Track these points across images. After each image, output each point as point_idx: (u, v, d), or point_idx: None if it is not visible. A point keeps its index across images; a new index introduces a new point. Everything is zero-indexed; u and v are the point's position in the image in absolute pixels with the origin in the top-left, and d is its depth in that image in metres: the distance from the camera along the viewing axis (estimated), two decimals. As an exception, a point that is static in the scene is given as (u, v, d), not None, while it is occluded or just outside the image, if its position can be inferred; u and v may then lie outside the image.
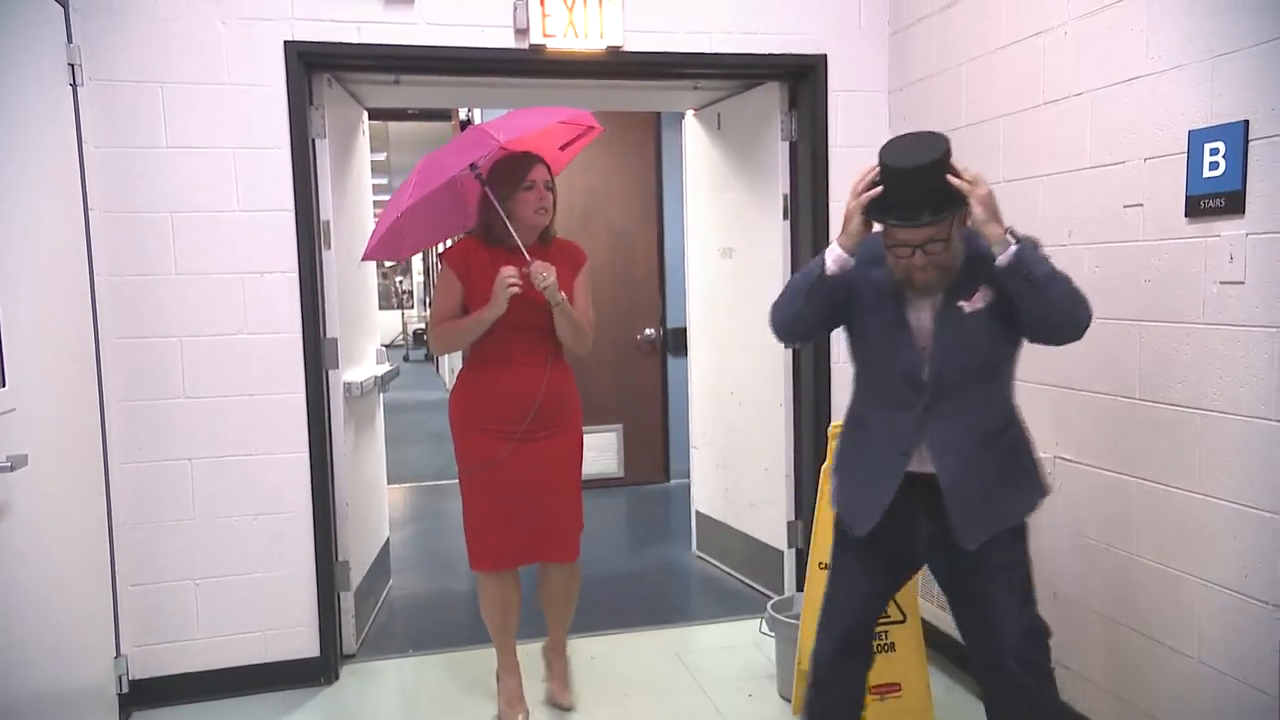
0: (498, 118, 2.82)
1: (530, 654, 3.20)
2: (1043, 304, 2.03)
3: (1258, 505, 2.20)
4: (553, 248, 2.87)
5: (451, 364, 11.41)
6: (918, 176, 1.99)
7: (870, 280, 2.21)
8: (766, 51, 3.53)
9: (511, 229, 2.71)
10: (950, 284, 2.14)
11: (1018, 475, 2.23)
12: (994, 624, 2.22)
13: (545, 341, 2.83)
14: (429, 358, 16.76)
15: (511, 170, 2.74)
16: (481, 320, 2.73)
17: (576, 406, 3.00)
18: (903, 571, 2.39)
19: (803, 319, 2.28)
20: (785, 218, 3.80)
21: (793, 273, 3.75)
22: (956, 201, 2.00)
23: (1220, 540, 2.30)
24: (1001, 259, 2.01)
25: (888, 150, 2.07)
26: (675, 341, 5.73)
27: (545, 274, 2.64)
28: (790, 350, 3.79)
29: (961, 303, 2.13)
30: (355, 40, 3.20)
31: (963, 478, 2.16)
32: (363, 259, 3.21)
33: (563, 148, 3.03)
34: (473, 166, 2.73)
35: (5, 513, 2.24)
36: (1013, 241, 2.00)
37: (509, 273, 2.66)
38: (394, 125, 7.45)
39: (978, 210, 2.00)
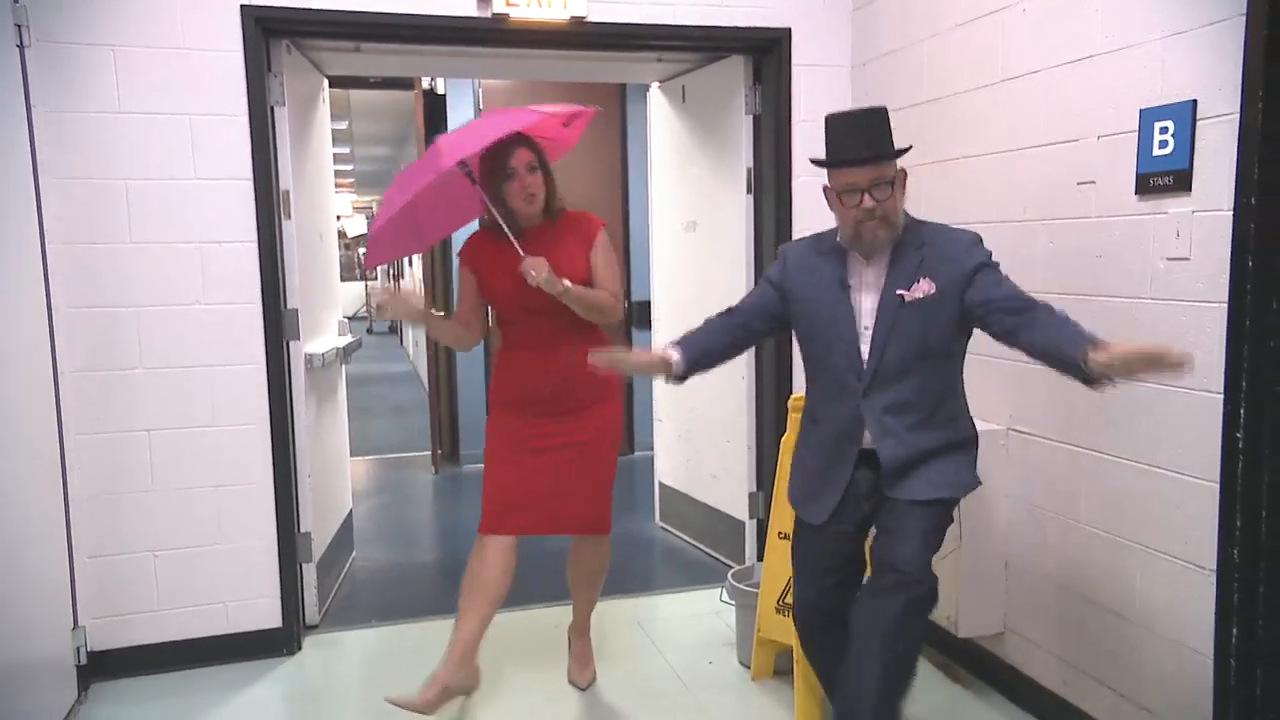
0: (473, 121, 2.78)
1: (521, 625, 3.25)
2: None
3: (1199, 475, 2.26)
4: (561, 222, 2.79)
5: (415, 336, 11.38)
6: (862, 120, 2.26)
7: (817, 273, 2.35)
8: (731, 24, 3.54)
9: (504, 222, 2.65)
10: (890, 275, 2.25)
11: (954, 456, 2.31)
12: (890, 544, 2.28)
13: (561, 321, 2.71)
14: (392, 329, 16.67)
15: (493, 163, 2.66)
16: (432, 334, 2.75)
17: (608, 382, 2.79)
18: (859, 535, 2.43)
19: (729, 355, 2.53)
20: (749, 191, 3.82)
21: (755, 247, 3.82)
22: (894, 151, 2.23)
23: (1164, 509, 2.36)
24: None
25: (833, 114, 2.31)
26: (640, 314, 5.73)
27: (534, 271, 2.56)
28: None
29: (900, 291, 2.23)
30: (314, 5, 3.17)
31: (901, 457, 2.27)
32: (365, 266, 3.27)
33: (565, 124, 2.92)
34: (462, 164, 2.67)
35: None
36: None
37: (379, 294, 2.68)
38: (356, 93, 7.34)
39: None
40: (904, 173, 2.27)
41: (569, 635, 3.15)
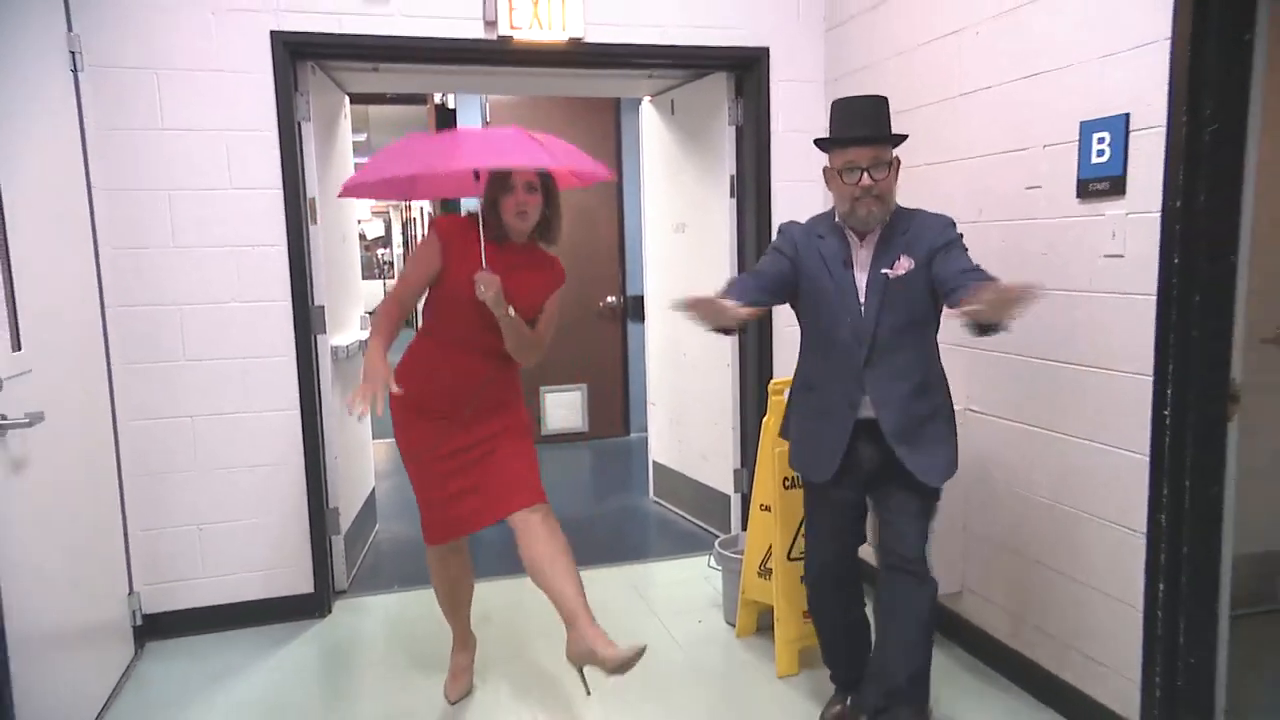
0: (503, 133, 2.53)
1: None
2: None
3: (1134, 449, 2.31)
4: (538, 253, 2.57)
5: None
6: (865, 105, 2.31)
7: (822, 250, 2.33)
8: (715, 44, 3.54)
9: (485, 223, 2.45)
10: (876, 255, 2.25)
11: (942, 433, 2.33)
12: (900, 533, 2.33)
13: (499, 336, 2.46)
14: (409, 323, 16.61)
15: (498, 172, 2.45)
16: (371, 356, 2.38)
17: (515, 395, 2.64)
18: (860, 503, 2.45)
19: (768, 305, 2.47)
20: (732, 195, 3.82)
21: (739, 246, 3.82)
22: (893, 134, 2.28)
23: (1104, 480, 2.40)
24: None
25: (839, 98, 2.36)
26: (634, 308, 5.76)
27: (484, 286, 2.35)
28: None
29: (884, 270, 2.24)
30: (337, 31, 3.18)
31: (901, 424, 2.28)
32: (340, 194, 2.74)
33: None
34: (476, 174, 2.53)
35: (27, 464, 2.26)
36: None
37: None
38: (373, 109, 7.31)
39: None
40: (898, 160, 2.28)
41: (582, 633, 2.38)
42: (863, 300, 2.28)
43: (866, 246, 2.30)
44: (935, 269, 2.20)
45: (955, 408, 2.54)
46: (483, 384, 2.51)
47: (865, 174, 2.21)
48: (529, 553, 2.41)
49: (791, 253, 2.36)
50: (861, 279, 2.29)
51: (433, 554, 2.69)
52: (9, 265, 2.23)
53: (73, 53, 2.89)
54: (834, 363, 2.33)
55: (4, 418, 2.11)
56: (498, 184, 2.45)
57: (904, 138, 2.30)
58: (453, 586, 2.76)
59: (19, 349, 2.26)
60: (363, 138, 9.17)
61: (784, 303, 2.44)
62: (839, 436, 2.31)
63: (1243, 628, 2.67)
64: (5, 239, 2.22)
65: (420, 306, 2.63)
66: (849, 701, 2.61)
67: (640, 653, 2.20)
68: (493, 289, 2.35)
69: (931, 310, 2.29)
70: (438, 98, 5.80)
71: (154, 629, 3.22)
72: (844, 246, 2.33)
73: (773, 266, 2.38)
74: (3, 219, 2.22)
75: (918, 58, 3.08)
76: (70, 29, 2.89)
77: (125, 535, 3.12)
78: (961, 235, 2.26)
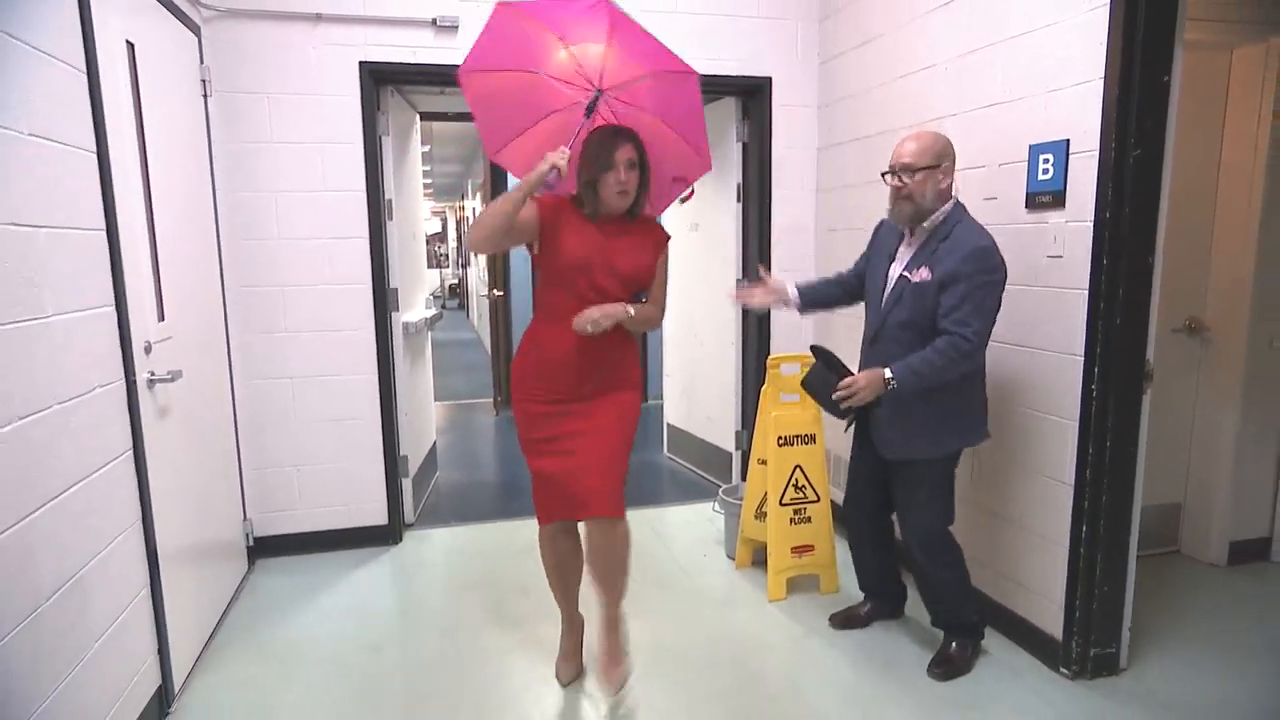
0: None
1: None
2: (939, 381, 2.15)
3: (1065, 416, 2.36)
4: (641, 224, 2.25)
5: (479, 310, 11.39)
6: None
7: (883, 246, 2.39)
8: (725, 74, 3.55)
9: (588, 202, 2.17)
10: (912, 258, 2.24)
11: (942, 417, 2.25)
12: (902, 516, 2.40)
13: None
14: (460, 306, 16.72)
15: (597, 149, 2.12)
16: (523, 190, 2.03)
17: (634, 371, 2.32)
18: (875, 466, 2.44)
19: (839, 303, 2.60)
20: (738, 201, 3.82)
21: (743, 242, 3.82)
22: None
23: (1049, 444, 2.43)
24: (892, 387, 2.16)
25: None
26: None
27: (591, 326, 2.08)
28: (739, 306, 3.79)
29: (906, 273, 2.25)
30: (412, 60, 3.22)
31: (886, 407, 2.25)
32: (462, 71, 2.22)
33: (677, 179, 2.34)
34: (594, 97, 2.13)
35: (169, 413, 2.37)
36: (893, 384, 2.16)
37: (556, 157, 2.04)
38: (437, 124, 7.36)
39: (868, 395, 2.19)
40: (939, 169, 2.18)
41: (599, 633, 2.32)
42: (887, 291, 2.29)
43: (911, 245, 2.27)
44: (942, 296, 2.15)
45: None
46: (599, 357, 2.19)
47: (898, 175, 2.21)
48: (591, 562, 2.26)
49: (866, 252, 2.46)
50: (894, 272, 2.29)
51: (543, 533, 2.34)
52: (156, 253, 2.34)
53: (203, 81, 2.98)
54: (864, 332, 2.41)
55: (153, 374, 2.23)
56: (598, 163, 2.12)
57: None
58: (560, 565, 2.37)
59: (163, 319, 2.37)
60: (427, 149, 9.24)
61: (851, 302, 2.54)
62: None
63: (1146, 565, 2.78)
64: (153, 233, 2.33)
65: (531, 294, 2.52)
66: (865, 601, 2.72)
67: (626, 680, 2.27)
68: (586, 323, 2.08)
69: (935, 320, 2.17)
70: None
71: (262, 549, 3.33)
72: (895, 242, 2.33)
73: (855, 267, 2.52)
74: (152, 217, 2.33)
75: (895, 88, 3.10)
76: (202, 62, 2.98)
77: (240, 473, 3.22)
78: (977, 269, 2.10)
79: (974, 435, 2.33)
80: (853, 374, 2.24)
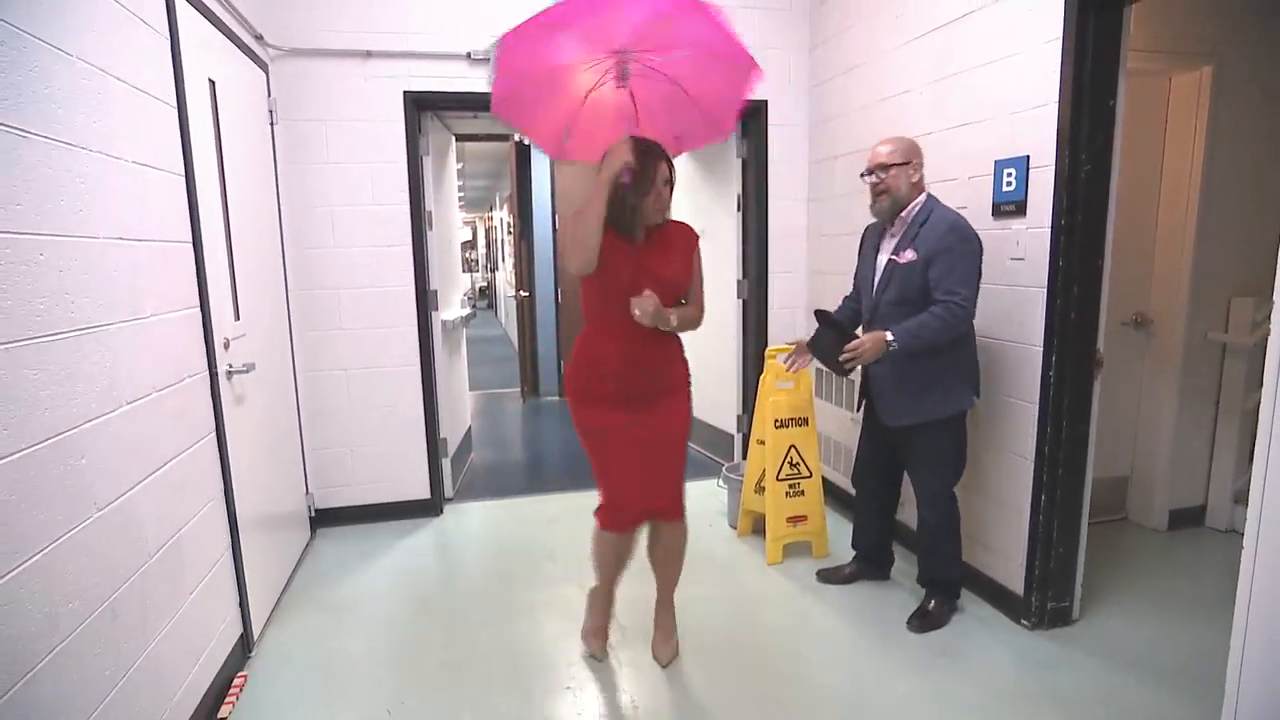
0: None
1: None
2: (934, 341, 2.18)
3: (1027, 399, 2.40)
4: (669, 227, 2.13)
5: (506, 309, 11.37)
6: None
7: (868, 241, 2.44)
8: None
9: (626, 218, 2.05)
10: (896, 244, 2.27)
11: (938, 383, 2.26)
12: (913, 483, 2.43)
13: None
14: (490, 306, 16.77)
15: (642, 171, 2.01)
16: (601, 197, 1.94)
17: (684, 376, 2.21)
18: (884, 435, 2.47)
19: None
20: (738, 210, 3.83)
21: (743, 248, 3.82)
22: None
23: (1014, 424, 2.46)
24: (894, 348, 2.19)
25: None
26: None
27: (639, 311, 1.97)
28: (740, 302, 3.85)
29: (893, 256, 2.28)
30: (449, 89, 3.28)
31: (885, 378, 2.32)
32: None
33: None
34: (624, 60, 1.95)
35: (244, 400, 2.46)
36: (894, 344, 2.18)
37: (620, 156, 1.94)
38: (469, 145, 7.41)
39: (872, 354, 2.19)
40: (910, 165, 2.23)
41: (655, 610, 2.37)
42: (877, 278, 2.33)
43: (894, 235, 2.31)
44: (930, 271, 2.19)
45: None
46: (650, 365, 2.09)
47: (874, 174, 2.28)
48: (654, 554, 2.27)
49: (858, 258, 2.48)
50: (882, 260, 2.32)
51: (608, 535, 2.20)
52: (232, 261, 2.43)
53: (270, 111, 3.05)
54: (861, 316, 2.47)
55: (231, 365, 2.32)
56: (640, 186, 2.01)
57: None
58: (620, 557, 2.25)
59: (238, 319, 2.45)
60: (460, 165, 9.32)
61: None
62: (863, 375, 2.48)
63: (1097, 531, 2.85)
64: (230, 244, 2.42)
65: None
66: (852, 562, 2.76)
67: (677, 653, 2.28)
68: (649, 308, 1.96)
69: (924, 296, 2.20)
70: (516, 136, 5.79)
71: (322, 519, 3.41)
72: (878, 235, 2.37)
73: (854, 287, 2.55)
74: (229, 231, 2.42)
75: (877, 110, 3.14)
76: (270, 95, 3.06)
77: (303, 452, 3.30)
78: (956, 242, 2.14)
79: (967, 398, 2.32)
80: (856, 336, 2.28)
